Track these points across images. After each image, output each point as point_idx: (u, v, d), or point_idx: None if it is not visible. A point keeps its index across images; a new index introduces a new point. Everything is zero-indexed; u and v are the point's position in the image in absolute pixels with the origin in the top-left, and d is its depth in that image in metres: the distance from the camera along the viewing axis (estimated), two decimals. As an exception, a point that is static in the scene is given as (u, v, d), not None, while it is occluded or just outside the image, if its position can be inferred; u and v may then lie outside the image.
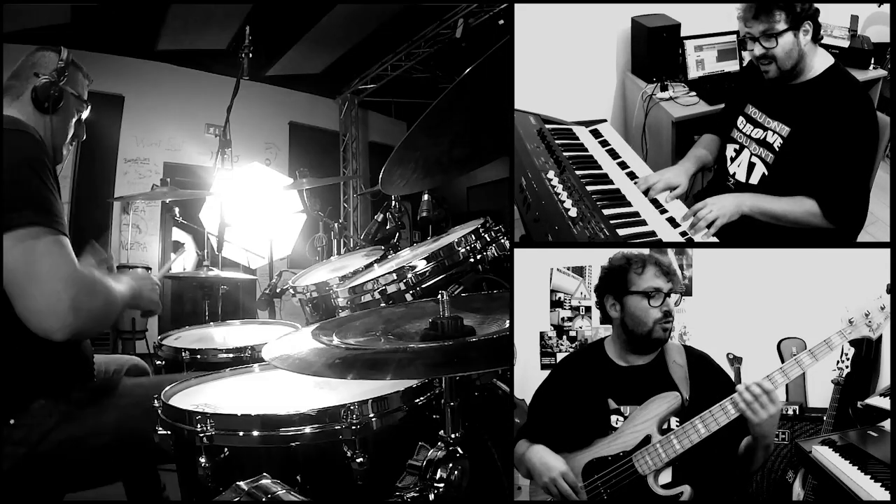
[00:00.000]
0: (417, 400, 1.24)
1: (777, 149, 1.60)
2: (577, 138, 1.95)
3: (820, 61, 1.56)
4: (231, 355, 1.82)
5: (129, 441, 1.46)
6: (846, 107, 1.50)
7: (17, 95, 1.56)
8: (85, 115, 1.72)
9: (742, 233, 1.55)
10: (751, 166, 1.67)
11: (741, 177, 1.69)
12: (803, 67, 1.56)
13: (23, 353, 1.37)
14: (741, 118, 1.71)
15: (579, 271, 2.00)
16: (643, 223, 1.59)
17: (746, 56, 2.20)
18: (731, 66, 2.28)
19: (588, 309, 2.02)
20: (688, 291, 1.92)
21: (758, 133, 1.65)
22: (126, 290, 1.47)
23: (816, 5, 1.50)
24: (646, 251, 1.39)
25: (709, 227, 1.49)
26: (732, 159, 1.73)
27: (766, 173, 1.63)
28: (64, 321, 1.23)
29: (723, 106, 1.90)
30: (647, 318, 1.33)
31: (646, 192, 1.68)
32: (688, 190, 2.07)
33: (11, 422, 1.37)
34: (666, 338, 1.34)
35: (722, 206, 1.51)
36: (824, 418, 1.60)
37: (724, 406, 1.20)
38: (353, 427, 1.10)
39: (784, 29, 1.50)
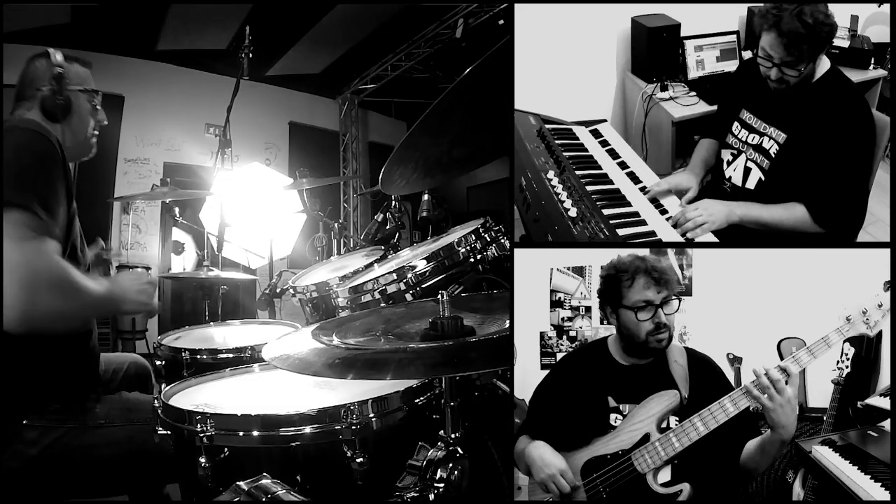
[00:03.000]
0: (417, 400, 1.24)
1: (773, 155, 1.59)
2: (577, 138, 1.95)
3: (819, 67, 1.54)
4: (231, 355, 1.82)
5: (138, 456, 1.46)
6: (843, 112, 1.49)
7: (30, 108, 1.60)
8: (98, 100, 1.73)
9: (737, 235, 1.55)
10: (747, 171, 1.67)
11: (737, 181, 1.69)
12: (804, 79, 1.55)
13: (32, 350, 1.37)
14: (736, 123, 1.70)
15: (579, 271, 2.00)
16: (643, 223, 1.59)
17: (746, 55, 2.21)
18: (731, 66, 2.28)
19: (588, 309, 2.02)
20: (688, 291, 1.92)
21: (754, 139, 1.65)
22: (102, 293, 1.40)
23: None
24: (639, 258, 1.34)
25: (696, 228, 1.50)
26: (729, 163, 1.73)
27: (763, 178, 1.62)
28: (20, 315, 1.19)
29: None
30: (638, 332, 1.31)
31: (654, 200, 1.68)
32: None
33: (24, 422, 1.37)
34: (662, 347, 1.32)
35: (712, 213, 1.51)
36: (824, 418, 1.60)
37: (723, 404, 1.21)
38: (353, 427, 1.10)
39: (806, 63, 1.48)
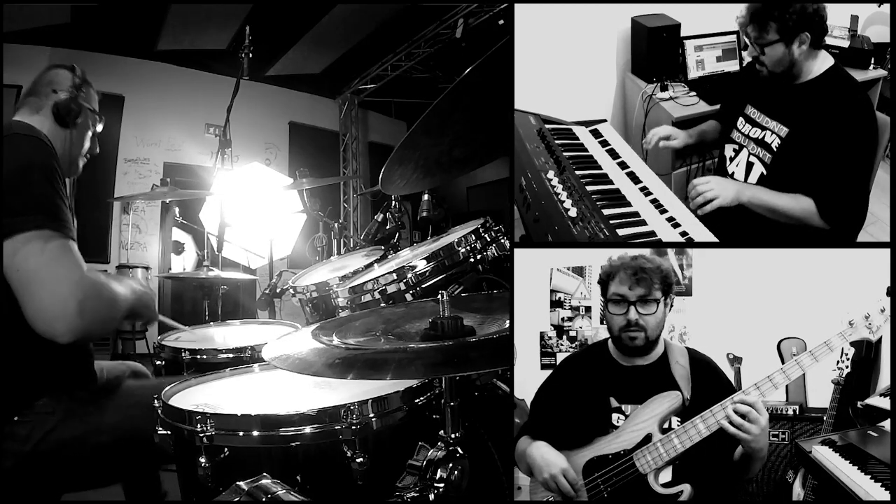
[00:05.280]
0: (417, 400, 1.24)
1: (775, 149, 1.60)
2: (577, 138, 1.95)
3: (819, 63, 1.55)
4: (231, 355, 1.82)
5: (131, 442, 1.47)
6: (845, 108, 1.51)
7: (37, 110, 1.62)
8: (99, 128, 1.78)
9: (740, 225, 1.56)
10: (749, 166, 1.67)
11: (739, 176, 1.70)
12: (798, 72, 1.56)
13: (26, 352, 1.38)
14: (741, 119, 1.71)
15: (579, 271, 2.00)
16: (643, 223, 1.59)
17: (746, 56, 2.21)
18: (732, 66, 2.28)
19: (588, 309, 2.02)
20: (688, 291, 1.92)
21: (756, 133, 1.66)
22: (129, 295, 1.49)
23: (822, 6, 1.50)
24: (634, 257, 1.35)
25: (705, 204, 1.51)
26: (731, 159, 1.73)
27: (765, 173, 1.63)
28: (70, 324, 1.25)
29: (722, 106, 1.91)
30: (612, 325, 1.33)
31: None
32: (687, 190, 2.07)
33: (15, 419, 1.38)
34: (633, 346, 1.32)
35: (723, 188, 1.53)
36: (824, 418, 1.60)
37: (724, 405, 1.20)
38: (353, 427, 1.10)
39: (774, 40, 1.50)
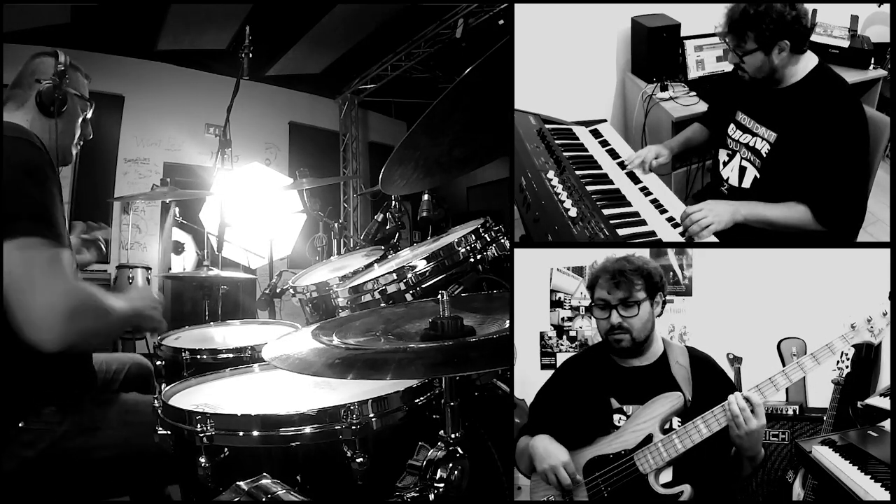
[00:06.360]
0: (417, 400, 1.24)
1: (765, 155, 1.59)
2: (577, 138, 1.96)
3: (803, 65, 1.54)
4: (231, 355, 1.82)
5: (137, 458, 1.46)
6: (831, 109, 1.49)
7: (22, 103, 1.59)
8: (90, 114, 1.74)
9: (740, 236, 1.55)
10: (742, 170, 1.67)
11: (734, 181, 1.69)
12: (781, 77, 1.55)
13: (24, 355, 1.37)
14: (732, 125, 1.71)
15: (579, 271, 2.00)
16: (643, 223, 1.59)
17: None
18: (731, 66, 2.28)
19: (588, 309, 2.02)
20: (688, 291, 1.92)
21: (747, 139, 1.65)
22: (126, 309, 1.42)
23: (813, 6, 1.49)
24: (617, 260, 1.35)
25: (702, 230, 1.49)
26: (725, 164, 1.73)
27: (758, 176, 1.62)
28: (56, 334, 1.21)
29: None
30: (599, 329, 1.35)
31: (632, 175, 1.73)
32: (687, 190, 2.07)
33: (20, 425, 1.37)
34: (620, 347, 1.32)
35: (717, 213, 1.49)
36: (824, 418, 1.60)
37: (725, 407, 1.20)
38: (353, 427, 1.10)
39: (752, 49, 1.50)
